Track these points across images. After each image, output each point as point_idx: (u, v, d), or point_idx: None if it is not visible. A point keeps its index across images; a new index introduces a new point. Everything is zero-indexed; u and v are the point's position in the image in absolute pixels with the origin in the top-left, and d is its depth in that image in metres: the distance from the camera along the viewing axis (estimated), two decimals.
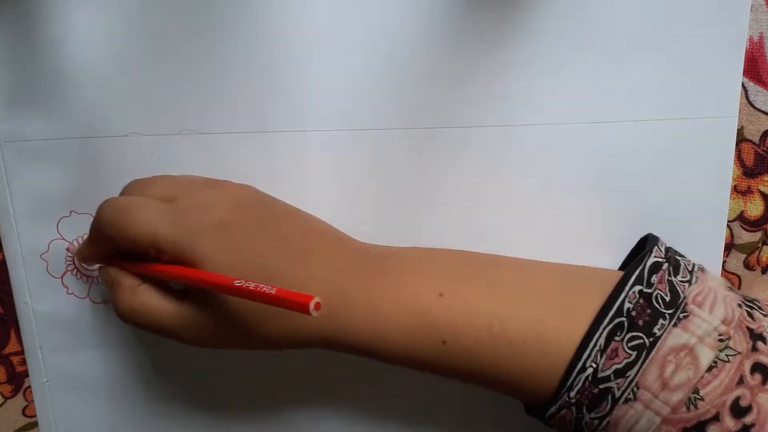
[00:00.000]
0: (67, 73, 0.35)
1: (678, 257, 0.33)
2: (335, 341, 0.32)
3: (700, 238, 0.37)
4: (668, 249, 0.33)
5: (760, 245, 0.38)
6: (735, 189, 0.37)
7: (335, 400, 0.41)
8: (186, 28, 0.34)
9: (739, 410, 0.29)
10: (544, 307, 0.31)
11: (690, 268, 0.32)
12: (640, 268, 0.31)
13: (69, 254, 0.38)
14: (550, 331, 0.31)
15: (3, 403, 0.40)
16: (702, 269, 0.33)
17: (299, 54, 0.35)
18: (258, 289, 0.27)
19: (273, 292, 0.27)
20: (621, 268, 0.37)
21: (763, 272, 0.39)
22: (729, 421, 0.29)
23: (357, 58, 0.35)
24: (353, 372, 0.40)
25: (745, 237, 0.38)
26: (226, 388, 0.41)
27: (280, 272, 0.31)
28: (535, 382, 0.31)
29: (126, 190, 0.35)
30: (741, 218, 0.38)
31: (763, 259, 0.38)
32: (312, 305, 0.26)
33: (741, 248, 0.38)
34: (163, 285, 0.33)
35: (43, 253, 0.37)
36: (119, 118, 0.36)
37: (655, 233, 0.36)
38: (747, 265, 0.39)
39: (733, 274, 0.39)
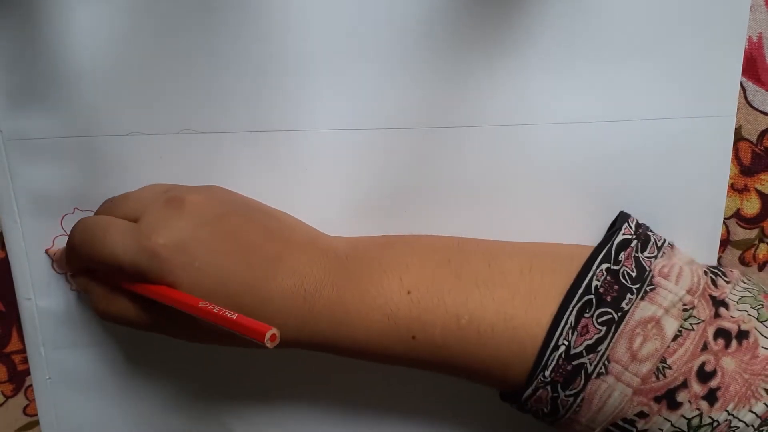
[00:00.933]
0: (69, 72, 0.34)
1: (649, 233, 0.34)
2: (306, 344, 0.33)
3: (697, 234, 0.37)
4: (639, 225, 0.34)
5: (756, 242, 0.39)
6: (732, 187, 0.38)
7: (330, 393, 0.41)
8: (187, 28, 0.34)
9: (704, 375, 0.30)
10: (511, 293, 0.32)
11: (659, 244, 0.33)
12: (608, 246, 0.32)
13: (48, 254, 0.38)
14: (518, 317, 0.31)
15: (4, 402, 0.40)
16: (672, 245, 0.34)
17: (299, 54, 0.35)
18: (220, 313, 0.28)
19: (234, 318, 0.28)
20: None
21: (760, 269, 0.39)
22: (696, 387, 0.30)
23: (357, 58, 0.35)
24: (344, 366, 0.40)
25: (741, 234, 0.39)
26: (227, 387, 0.41)
27: (245, 287, 0.31)
28: (505, 368, 0.32)
29: (100, 209, 0.36)
30: (737, 215, 0.38)
31: (760, 256, 0.39)
32: (268, 336, 0.26)
33: (736, 245, 0.39)
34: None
35: (47, 250, 0.37)
36: (121, 117, 0.35)
37: (653, 229, 0.37)
38: (743, 262, 0.39)
39: (729, 270, 0.39)
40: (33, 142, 0.36)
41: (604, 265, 0.31)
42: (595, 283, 0.31)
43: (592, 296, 0.31)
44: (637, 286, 0.31)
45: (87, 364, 0.39)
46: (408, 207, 0.37)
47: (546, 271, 0.32)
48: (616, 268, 0.31)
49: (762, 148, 0.37)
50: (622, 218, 0.35)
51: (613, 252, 0.32)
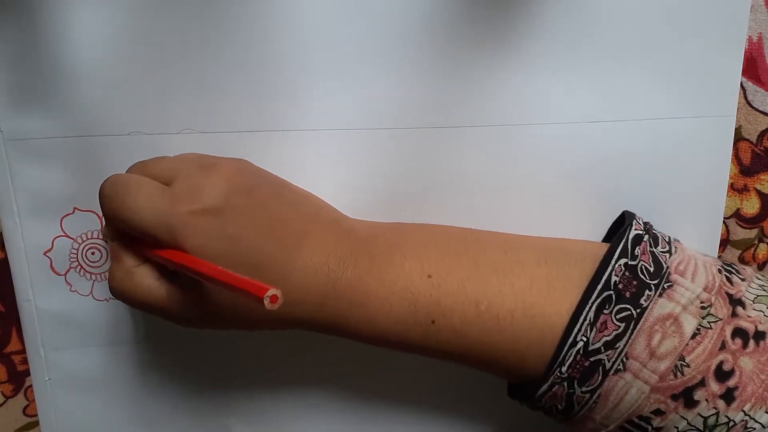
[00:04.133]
0: (69, 71, 0.34)
1: (654, 231, 0.34)
2: (323, 325, 0.33)
3: (697, 234, 0.37)
4: (646, 223, 0.34)
5: (756, 242, 0.39)
6: (732, 187, 0.38)
7: (333, 390, 0.41)
8: (187, 28, 0.34)
9: (722, 374, 0.30)
10: (530, 282, 0.32)
11: (668, 239, 0.33)
12: (624, 240, 0.32)
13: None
14: (536, 305, 0.31)
15: (4, 402, 0.40)
16: (677, 240, 0.34)
17: (299, 54, 0.35)
18: (225, 271, 0.27)
19: (240, 277, 0.27)
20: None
21: (760, 269, 0.39)
22: (714, 386, 0.30)
23: (357, 58, 0.35)
24: (348, 359, 0.40)
25: (741, 234, 0.39)
26: (227, 387, 0.41)
27: (270, 260, 0.31)
28: (523, 357, 0.32)
29: (131, 169, 0.34)
30: (737, 215, 0.38)
31: (759, 256, 0.39)
32: (268, 294, 0.25)
33: (736, 244, 0.39)
34: (160, 265, 0.32)
35: (47, 251, 0.37)
36: (121, 117, 0.35)
37: (654, 228, 0.37)
38: (743, 261, 0.39)
39: (742, 267, 0.39)
40: (33, 142, 0.35)
41: (623, 260, 0.31)
42: (614, 278, 0.31)
43: (612, 292, 0.31)
44: (655, 282, 0.31)
45: (86, 365, 0.39)
46: (408, 207, 0.37)
47: (561, 264, 0.32)
48: (634, 263, 0.31)
49: (762, 148, 0.37)
50: (629, 216, 0.35)
51: (629, 246, 0.32)
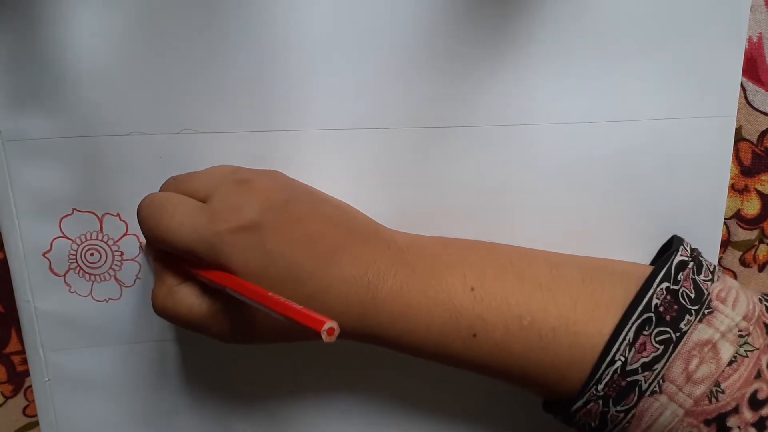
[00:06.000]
0: (69, 72, 0.34)
1: (701, 258, 0.34)
2: (364, 335, 0.32)
3: (697, 234, 0.37)
4: (693, 250, 0.34)
5: (756, 243, 0.39)
6: (732, 187, 0.38)
7: (336, 389, 0.41)
8: (187, 28, 0.34)
9: (756, 403, 0.30)
10: (573, 300, 0.32)
11: (711, 269, 0.33)
12: (668, 265, 0.32)
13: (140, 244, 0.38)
14: (579, 323, 0.31)
15: (3, 402, 0.40)
16: (722, 270, 0.34)
17: (300, 54, 0.35)
18: (287, 302, 0.27)
19: (297, 308, 0.27)
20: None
21: (760, 270, 0.39)
22: (747, 413, 0.30)
23: (357, 58, 0.35)
24: (351, 358, 0.40)
25: (742, 235, 0.39)
26: (228, 387, 0.41)
27: (309, 274, 0.31)
28: (562, 374, 0.32)
29: (164, 186, 0.35)
30: (738, 216, 0.38)
31: (760, 257, 0.39)
32: (325, 328, 0.25)
33: (737, 245, 0.39)
34: (202, 283, 0.32)
35: (46, 252, 0.37)
36: (121, 117, 0.35)
37: (653, 229, 0.37)
38: (743, 263, 0.39)
39: (729, 270, 0.39)
40: (32, 142, 0.35)
41: (664, 284, 0.31)
42: (655, 301, 0.31)
43: (652, 314, 0.31)
44: (696, 307, 0.31)
45: (86, 366, 0.39)
46: (408, 207, 0.37)
47: (605, 284, 0.32)
48: (676, 288, 0.31)
49: (762, 148, 0.37)
50: (677, 240, 0.35)
51: (672, 271, 0.32)
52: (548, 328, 0.31)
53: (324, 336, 0.25)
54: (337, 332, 0.25)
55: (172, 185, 0.34)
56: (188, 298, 0.32)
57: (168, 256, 0.33)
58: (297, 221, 0.31)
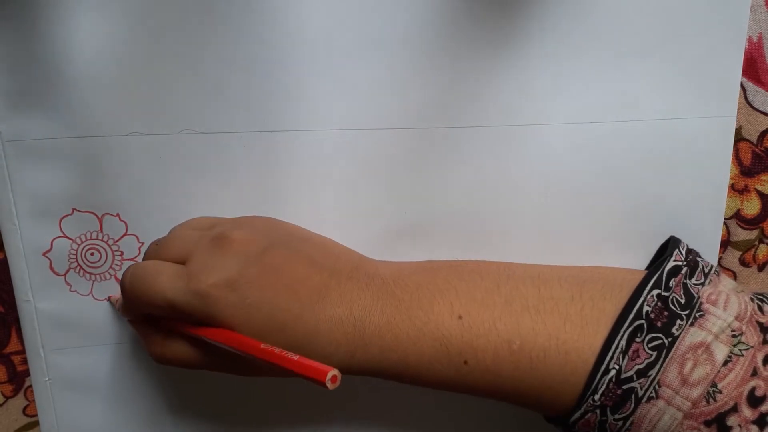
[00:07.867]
0: (68, 72, 0.34)
1: (698, 259, 0.34)
2: (358, 370, 0.33)
3: (697, 234, 0.37)
4: (689, 252, 0.34)
5: (756, 243, 0.39)
6: (732, 187, 0.38)
7: (333, 393, 0.41)
8: (187, 28, 0.34)
9: (755, 400, 0.30)
10: (562, 319, 0.32)
11: (707, 270, 0.33)
12: (659, 272, 0.32)
13: (110, 302, 0.39)
14: (570, 341, 0.31)
15: (4, 402, 0.40)
16: (718, 272, 0.34)
17: (299, 54, 0.35)
18: (282, 354, 0.28)
19: (295, 359, 0.28)
20: (648, 267, 0.38)
21: (760, 269, 0.39)
22: (746, 411, 0.30)
23: (357, 58, 0.35)
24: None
25: (742, 235, 0.39)
26: (228, 388, 0.41)
27: (295, 318, 0.31)
28: (556, 393, 0.32)
29: (147, 254, 0.36)
30: (738, 216, 0.38)
31: (760, 257, 0.39)
32: (329, 377, 0.26)
33: (737, 245, 0.39)
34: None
35: (46, 251, 0.37)
36: (121, 118, 0.35)
37: (653, 229, 0.37)
38: (743, 262, 0.39)
39: (729, 270, 0.39)
40: (32, 143, 0.35)
41: (655, 291, 0.32)
42: (646, 308, 0.31)
43: (643, 321, 0.31)
44: (687, 312, 0.31)
45: (86, 366, 0.39)
46: (407, 207, 0.37)
47: (596, 298, 0.32)
48: (666, 294, 0.32)
49: (762, 148, 0.37)
50: (673, 243, 0.35)
51: (664, 278, 0.32)
52: (538, 350, 0.31)
53: (329, 385, 0.26)
54: (339, 379, 0.26)
55: (153, 252, 0.35)
56: (182, 347, 0.33)
57: (152, 318, 0.34)
58: (276, 270, 0.32)
